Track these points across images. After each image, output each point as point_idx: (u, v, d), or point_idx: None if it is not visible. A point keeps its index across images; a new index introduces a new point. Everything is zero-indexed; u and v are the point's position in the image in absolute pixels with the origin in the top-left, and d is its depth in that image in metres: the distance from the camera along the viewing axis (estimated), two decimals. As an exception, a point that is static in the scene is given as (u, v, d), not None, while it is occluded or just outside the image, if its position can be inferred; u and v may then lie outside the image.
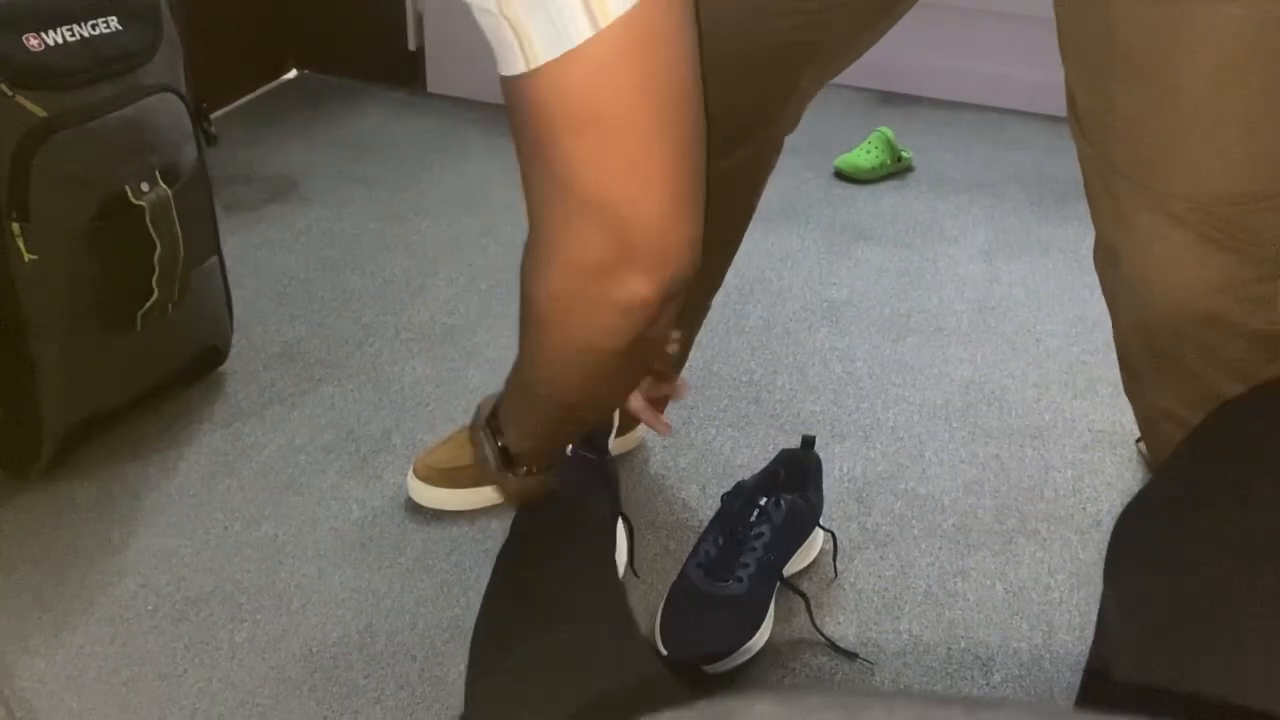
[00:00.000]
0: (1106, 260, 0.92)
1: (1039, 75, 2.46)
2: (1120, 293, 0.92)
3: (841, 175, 2.25)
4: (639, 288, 0.70)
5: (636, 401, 1.10)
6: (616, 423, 1.31)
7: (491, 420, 0.94)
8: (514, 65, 0.64)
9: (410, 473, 1.38)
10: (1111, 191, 0.87)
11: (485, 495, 1.36)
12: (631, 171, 0.67)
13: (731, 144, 1.14)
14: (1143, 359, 0.94)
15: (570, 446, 1.13)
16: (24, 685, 1.12)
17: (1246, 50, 0.77)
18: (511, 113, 0.67)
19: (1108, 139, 0.86)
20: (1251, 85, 0.78)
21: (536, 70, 0.63)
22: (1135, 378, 0.97)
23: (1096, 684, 0.77)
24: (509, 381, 0.90)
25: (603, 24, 0.60)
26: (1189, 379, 0.89)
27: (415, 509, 1.36)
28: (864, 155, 2.24)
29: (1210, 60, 0.77)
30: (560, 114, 0.64)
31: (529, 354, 0.81)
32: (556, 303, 0.73)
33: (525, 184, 0.71)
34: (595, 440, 1.20)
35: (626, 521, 1.24)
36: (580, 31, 0.61)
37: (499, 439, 0.93)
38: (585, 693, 0.71)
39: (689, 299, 1.25)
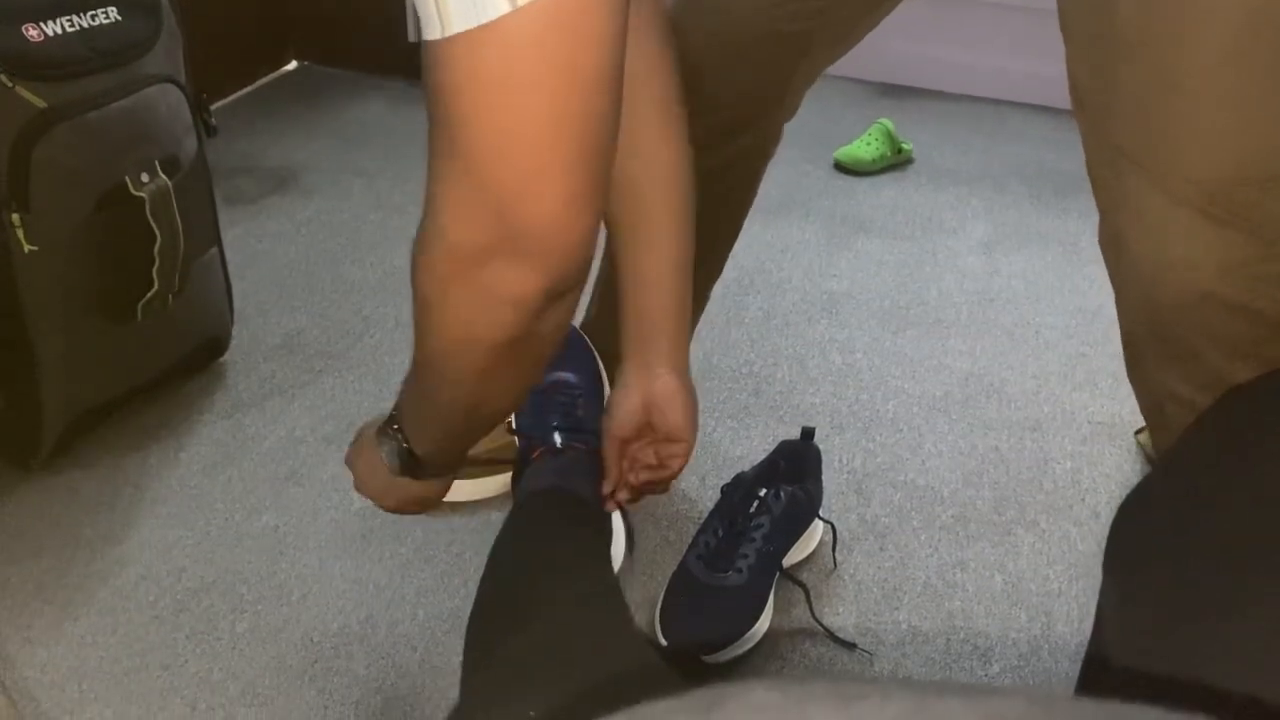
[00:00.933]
0: (1111, 240, 0.92)
1: (1039, 67, 2.46)
2: (1125, 272, 0.92)
3: (841, 167, 2.25)
4: (524, 280, 0.68)
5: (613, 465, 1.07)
6: None
7: (390, 423, 0.92)
8: (430, 30, 0.62)
9: None
10: (1115, 172, 0.87)
11: (484, 487, 1.37)
12: (530, 158, 0.65)
13: (731, 134, 1.14)
14: (1147, 339, 0.94)
15: (563, 440, 1.13)
16: (26, 675, 1.12)
17: (1251, 30, 0.76)
18: (424, 79, 0.65)
19: (1111, 120, 0.86)
20: (1256, 65, 0.77)
21: (450, 39, 0.61)
22: (1139, 358, 0.97)
23: (1095, 673, 0.77)
24: (405, 382, 0.88)
25: (521, 2, 0.59)
26: (1193, 359, 0.89)
27: (415, 500, 1.37)
28: (864, 147, 2.24)
29: (1215, 40, 0.77)
30: (467, 87, 0.63)
31: (417, 344, 0.79)
32: (441, 287, 0.71)
33: (429, 157, 0.69)
34: (590, 433, 1.20)
35: (625, 513, 1.24)
36: (497, 6, 0.59)
37: (403, 442, 0.91)
38: (581, 682, 0.71)
39: (692, 287, 1.25)
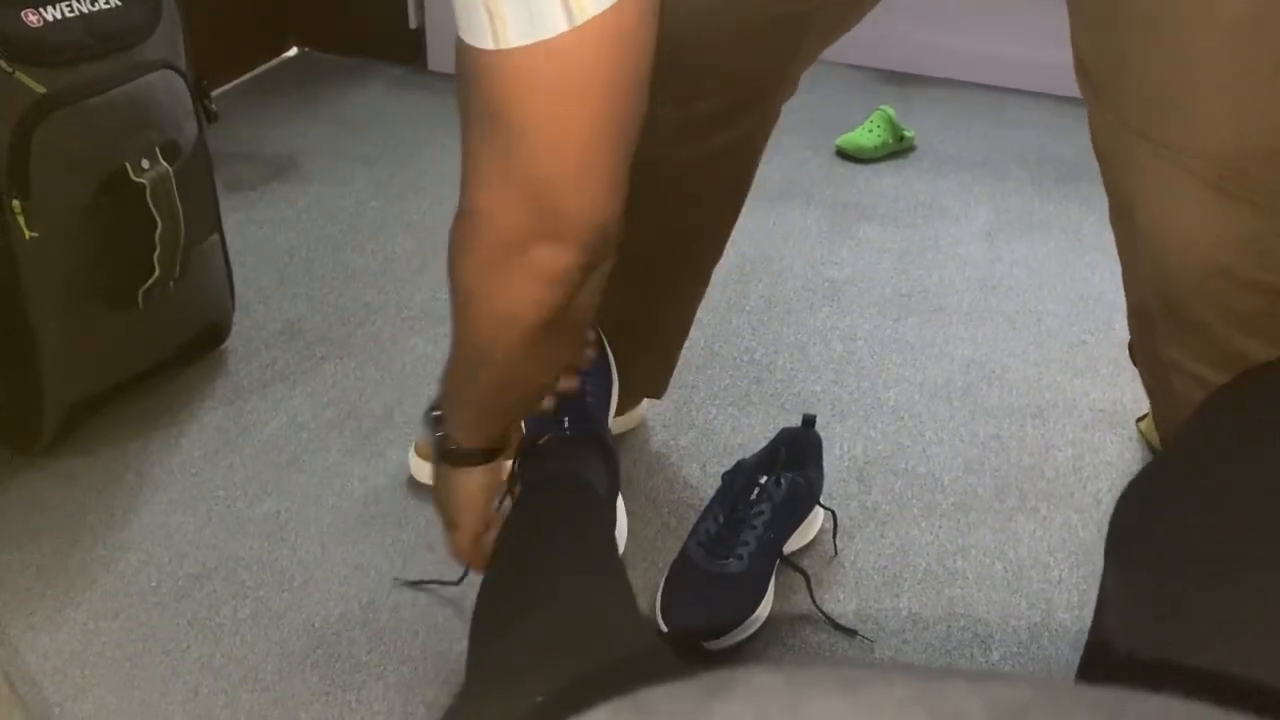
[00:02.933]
0: (1121, 214, 0.92)
1: (1041, 54, 2.45)
2: (1135, 246, 0.92)
3: (843, 154, 2.24)
4: (563, 257, 0.73)
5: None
6: (615, 402, 1.31)
7: (432, 412, 0.96)
8: (481, 38, 0.65)
9: (412, 450, 1.38)
10: (1125, 147, 0.87)
11: None
12: (578, 157, 0.70)
13: (732, 115, 1.14)
14: (1156, 314, 0.94)
15: (569, 424, 1.13)
16: (28, 660, 1.13)
17: (1264, 2, 0.76)
18: (464, 77, 0.69)
19: (1121, 96, 0.85)
20: (1272, 37, 0.77)
21: (506, 51, 0.64)
22: (1147, 334, 0.97)
23: (1097, 660, 0.77)
24: (445, 371, 0.91)
25: (579, 20, 0.62)
26: (1202, 333, 0.89)
27: (417, 486, 1.37)
28: (866, 134, 2.24)
29: (1226, 13, 0.76)
30: (522, 96, 0.67)
31: (459, 331, 0.84)
32: (484, 267, 0.76)
33: (464, 147, 0.73)
34: (595, 418, 1.20)
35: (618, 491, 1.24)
36: (555, 25, 0.62)
37: (438, 430, 0.95)
38: (584, 668, 0.72)
39: (692, 267, 1.25)
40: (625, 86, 0.68)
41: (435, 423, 0.97)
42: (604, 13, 0.62)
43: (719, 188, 1.24)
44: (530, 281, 0.75)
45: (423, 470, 1.36)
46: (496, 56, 0.65)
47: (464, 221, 0.76)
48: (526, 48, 0.63)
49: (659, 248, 1.22)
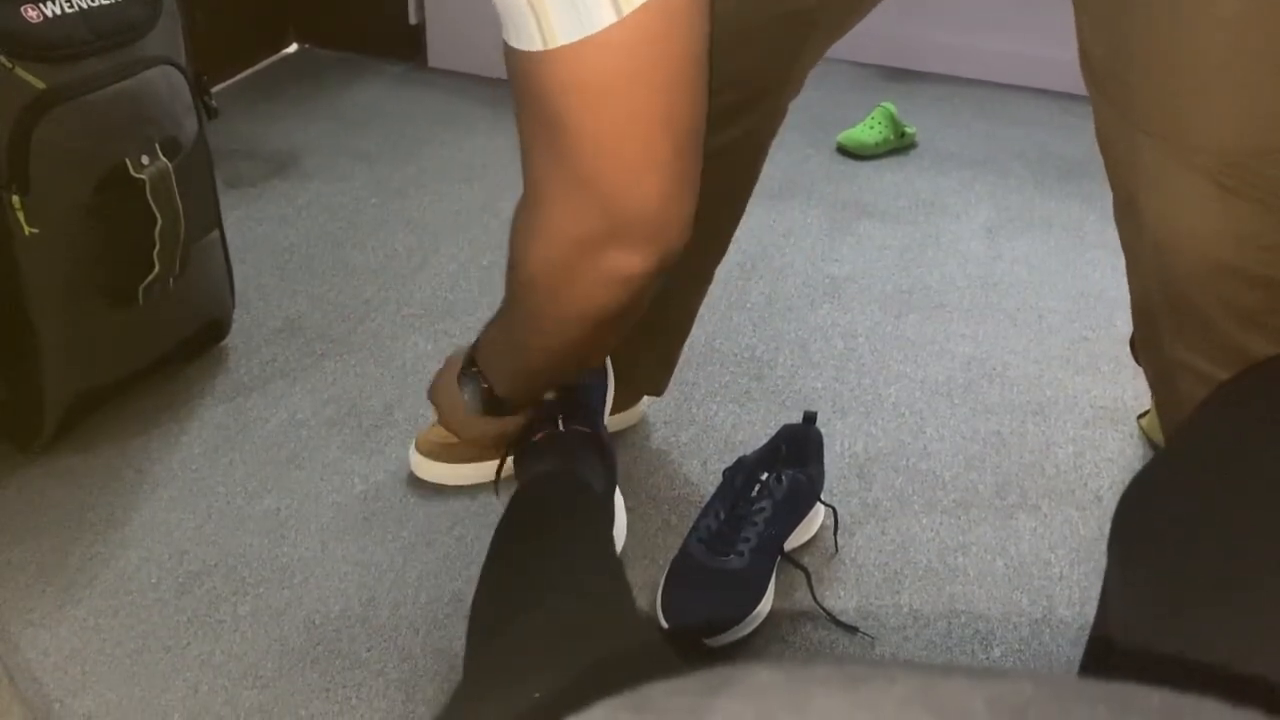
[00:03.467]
0: (1125, 210, 0.92)
1: (1043, 51, 2.45)
2: (1139, 242, 0.92)
3: (844, 151, 2.24)
4: (632, 263, 0.72)
5: None
6: (611, 399, 1.31)
7: (469, 367, 0.96)
8: (529, 42, 0.64)
9: (412, 447, 1.38)
10: (1130, 143, 0.87)
11: (487, 470, 1.37)
12: (636, 155, 0.68)
13: (736, 113, 1.13)
14: (1160, 309, 0.94)
15: (565, 422, 1.13)
16: (28, 657, 1.13)
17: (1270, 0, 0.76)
18: (517, 83, 0.68)
19: (1126, 93, 0.85)
20: (1273, 33, 0.77)
21: (554, 51, 0.63)
22: (1151, 330, 0.97)
23: (1099, 656, 0.77)
24: (490, 331, 0.92)
25: (625, 11, 0.61)
26: (1206, 329, 0.89)
27: (417, 483, 1.37)
28: (867, 131, 2.24)
29: (1231, 8, 0.76)
30: (575, 95, 0.65)
31: (518, 315, 0.83)
32: (547, 270, 0.75)
33: (524, 152, 0.72)
34: (591, 415, 1.20)
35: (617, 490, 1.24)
36: (603, 18, 0.61)
37: (483, 383, 0.95)
38: (583, 665, 0.71)
39: (695, 265, 1.25)
40: (680, 77, 0.66)
41: (478, 378, 0.97)
42: (650, 1, 0.61)
43: (722, 186, 1.24)
44: (601, 286, 0.73)
45: (423, 467, 1.36)
46: (545, 58, 0.63)
47: (530, 223, 0.74)
48: (575, 45, 0.62)
49: None
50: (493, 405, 0.97)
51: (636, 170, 0.68)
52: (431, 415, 1.45)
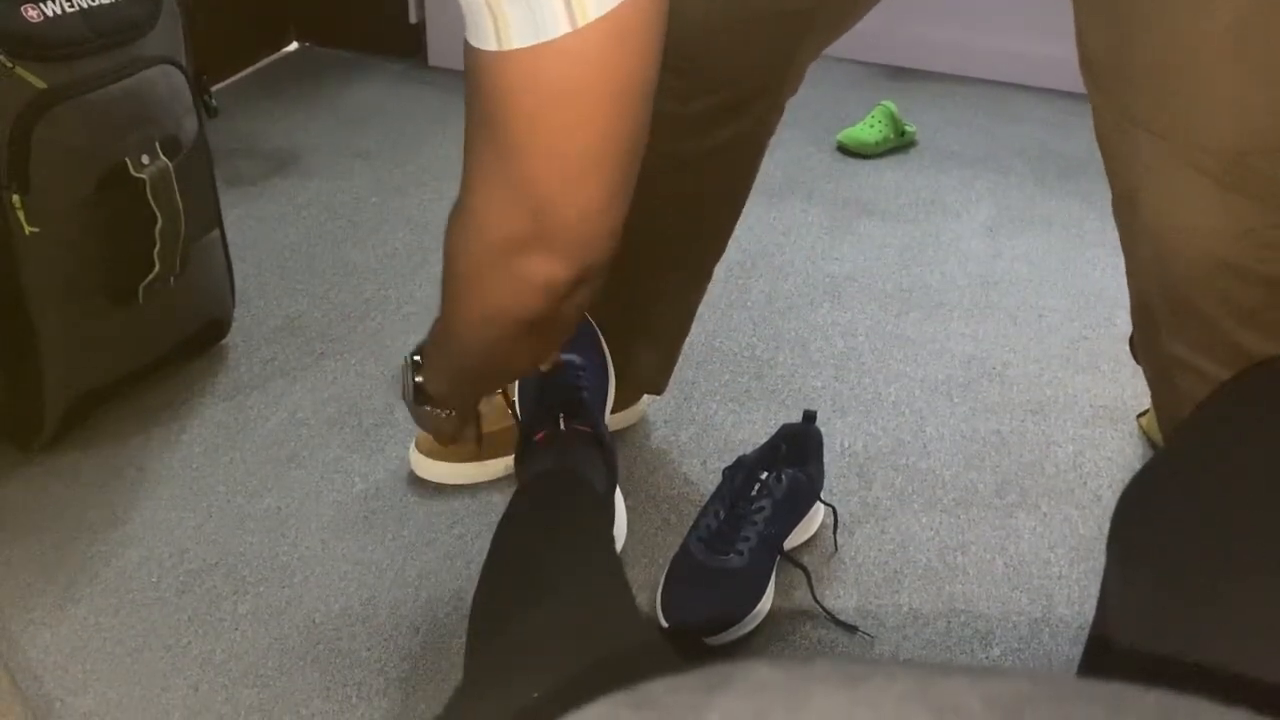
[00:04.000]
0: (1124, 206, 0.93)
1: (1043, 49, 2.45)
2: (1138, 239, 0.92)
3: (844, 150, 2.24)
4: (554, 268, 0.72)
5: None
6: (612, 398, 1.31)
7: (416, 355, 0.98)
8: (485, 40, 0.65)
9: (413, 446, 1.38)
10: (1129, 139, 0.87)
11: (487, 469, 1.37)
12: (576, 164, 0.69)
13: (734, 111, 1.13)
14: (1158, 306, 0.94)
15: (566, 421, 1.13)
16: (29, 655, 1.13)
17: None
18: (470, 78, 0.69)
19: (1125, 90, 0.85)
20: (1272, 31, 0.77)
21: (508, 53, 0.64)
22: (1149, 326, 0.98)
23: (1098, 655, 0.77)
24: (434, 325, 0.93)
25: (580, 23, 0.62)
26: (1205, 326, 0.90)
27: (417, 482, 1.37)
28: (867, 129, 2.24)
29: (1229, 6, 0.76)
30: (523, 98, 0.66)
31: (445, 308, 0.84)
32: (473, 267, 0.76)
33: (467, 146, 0.73)
34: (592, 414, 1.20)
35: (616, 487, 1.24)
36: (558, 26, 0.62)
37: (418, 374, 0.97)
38: (582, 664, 0.72)
39: (694, 264, 1.25)
40: (628, 94, 0.67)
41: (415, 367, 0.98)
42: (607, 15, 0.62)
43: (720, 184, 1.24)
44: (517, 287, 0.74)
45: (423, 466, 1.37)
46: (499, 58, 0.64)
47: (461, 216, 0.76)
48: (529, 49, 0.63)
49: (660, 244, 1.22)
50: (421, 397, 0.99)
51: (573, 178, 0.69)
52: None
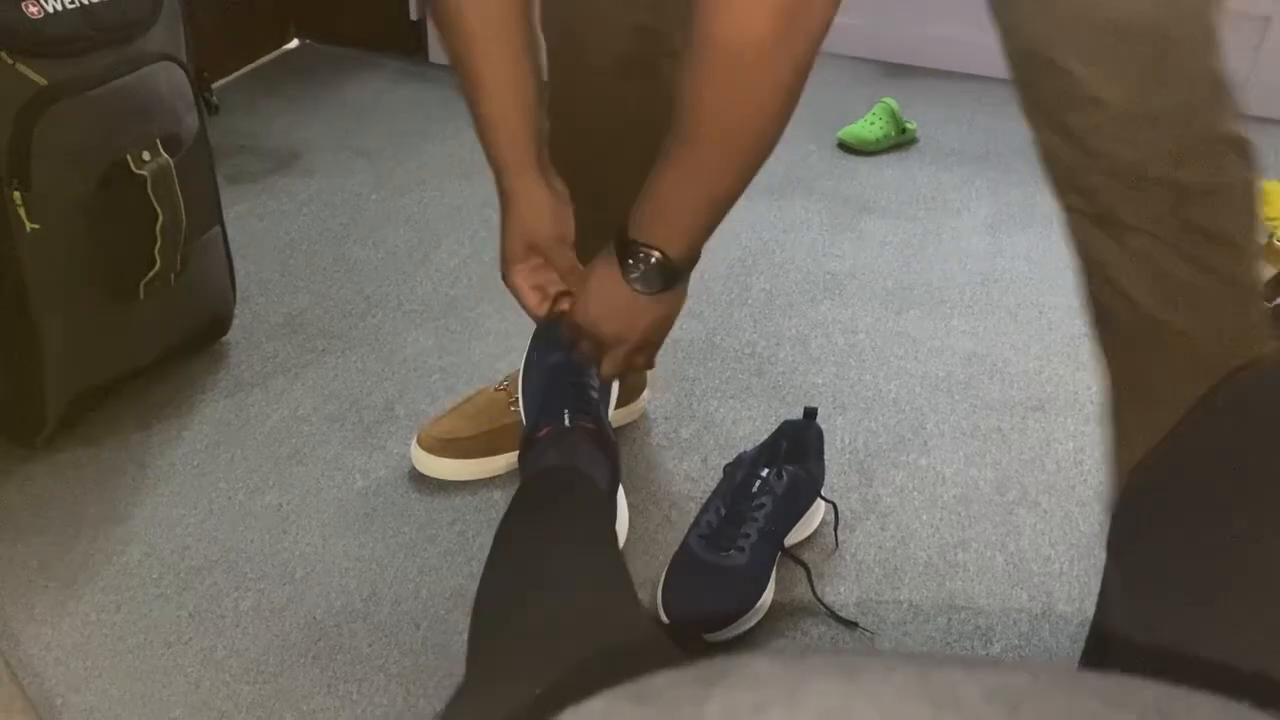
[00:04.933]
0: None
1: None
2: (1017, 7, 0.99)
3: (845, 147, 2.24)
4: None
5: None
6: (615, 394, 1.31)
7: (630, 248, 0.97)
8: None
9: (414, 443, 1.38)
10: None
11: (488, 466, 1.37)
12: None
13: (653, 65, 1.19)
14: (1029, 70, 1.06)
15: (570, 418, 1.13)
16: (30, 652, 1.13)
17: None
18: None
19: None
20: None
21: None
22: (1026, 92, 1.10)
23: (1098, 652, 0.77)
24: (649, 201, 0.95)
25: None
26: (1063, 79, 0.98)
27: (419, 479, 1.37)
28: (868, 127, 2.23)
29: None
30: None
31: (709, 130, 0.89)
32: (765, 40, 0.82)
33: None
34: (595, 412, 1.20)
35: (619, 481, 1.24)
36: None
37: (654, 255, 0.97)
38: (584, 659, 0.72)
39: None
40: None
41: (645, 252, 0.97)
42: None
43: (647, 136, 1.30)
44: (804, 32, 0.82)
45: (425, 463, 1.37)
46: None
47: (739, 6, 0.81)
48: None
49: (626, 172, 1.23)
50: (670, 274, 0.99)
51: None
52: (434, 410, 1.45)
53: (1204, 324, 0.98)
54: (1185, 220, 0.94)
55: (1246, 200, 0.97)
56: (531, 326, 1.19)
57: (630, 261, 0.98)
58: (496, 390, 1.43)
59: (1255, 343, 0.99)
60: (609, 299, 1.02)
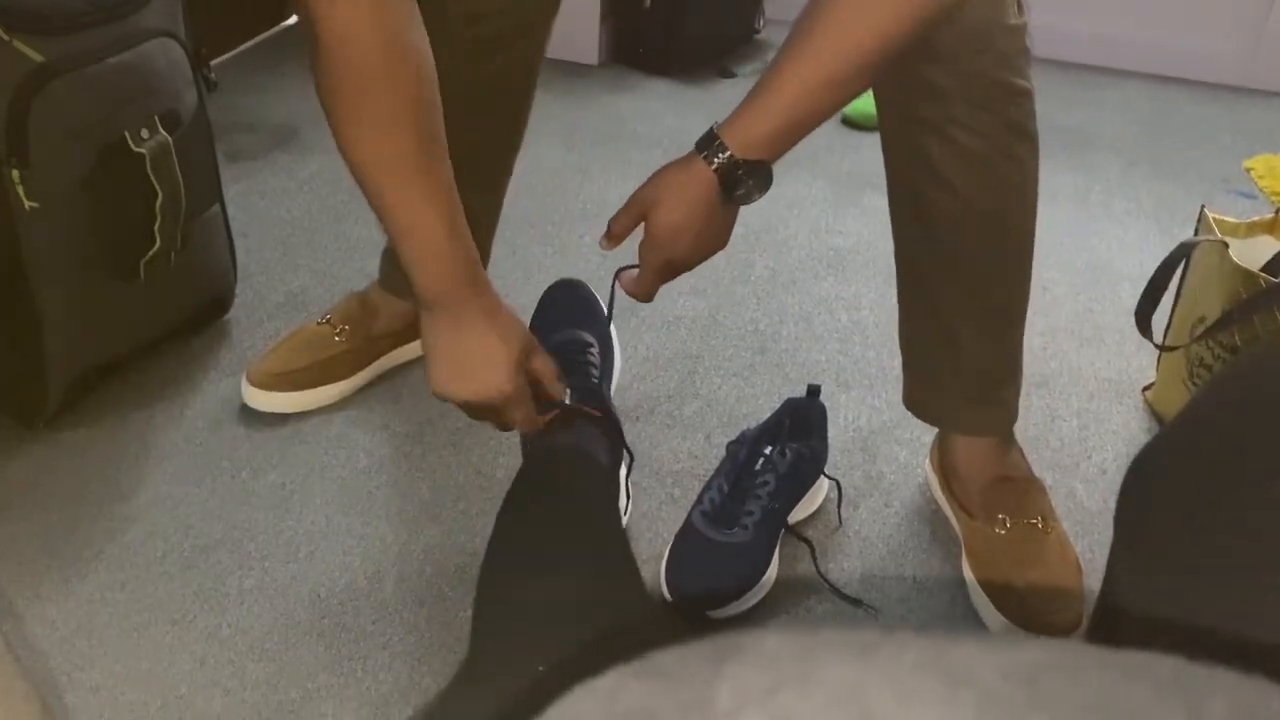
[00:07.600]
0: None
1: (1047, 21, 2.43)
2: None
3: (849, 122, 2.23)
4: None
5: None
6: (617, 373, 1.31)
7: (733, 171, 0.99)
8: None
9: (244, 380, 1.40)
10: None
11: (323, 395, 1.42)
12: None
13: (510, 40, 1.28)
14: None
15: (573, 396, 1.13)
16: (34, 631, 1.13)
17: None
18: None
19: None
20: None
21: None
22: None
23: (1105, 628, 0.77)
24: (751, 108, 1.03)
25: None
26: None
27: (422, 457, 1.37)
28: (872, 102, 2.21)
29: None
30: None
31: (838, 57, 1.00)
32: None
33: None
34: (598, 390, 1.20)
35: (630, 452, 1.23)
36: None
37: (726, 154, 1.00)
38: (588, 637, 0.72)
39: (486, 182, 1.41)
40: None
41: (749, 166, 1.00)
42: None
43: (502, 110, 1.37)
44: None
45: (258, 398, 1.40)
46: None
47: None
48: None
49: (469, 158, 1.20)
50: (769, 180, 1.04)
51: None
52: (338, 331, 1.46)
53: None
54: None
55: None
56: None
57: (732, 181, 0.99)
58: (319, 325, 1.46)
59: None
60: (692, 214, 1.01)
